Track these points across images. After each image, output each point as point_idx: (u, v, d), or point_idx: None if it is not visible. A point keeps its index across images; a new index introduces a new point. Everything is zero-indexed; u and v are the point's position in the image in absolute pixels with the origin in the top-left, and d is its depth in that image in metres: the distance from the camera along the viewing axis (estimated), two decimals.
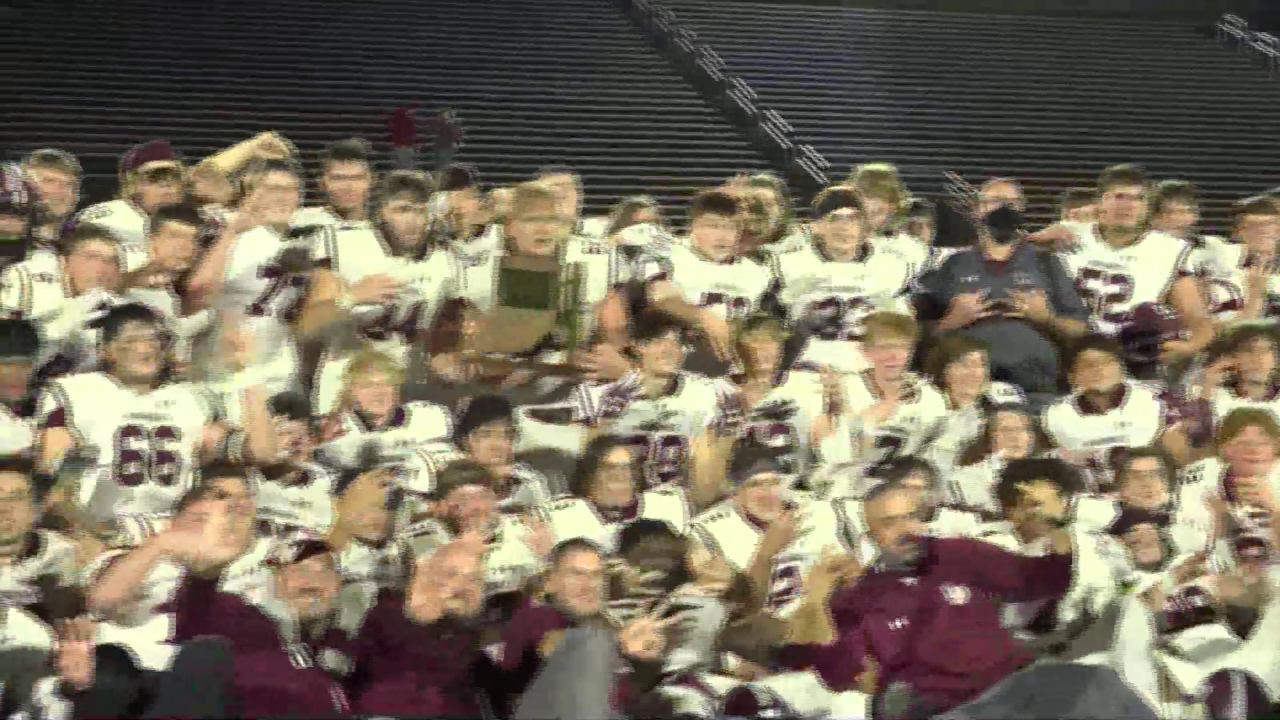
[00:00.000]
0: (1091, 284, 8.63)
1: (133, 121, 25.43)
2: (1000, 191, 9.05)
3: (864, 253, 8.42)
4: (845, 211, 8.38)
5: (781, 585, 6.93)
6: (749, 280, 8.35)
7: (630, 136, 31.68)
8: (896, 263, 8.56)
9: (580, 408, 7.57)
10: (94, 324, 6.97)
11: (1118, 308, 8.62)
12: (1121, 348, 8.29)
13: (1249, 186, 11.37)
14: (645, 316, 7.89)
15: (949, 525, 7.16)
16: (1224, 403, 8.14)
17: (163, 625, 5.74)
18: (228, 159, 8.48)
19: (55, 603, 5.91)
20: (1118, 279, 8.65)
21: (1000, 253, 8.50)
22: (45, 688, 5.27)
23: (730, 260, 8.30)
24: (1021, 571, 6.72)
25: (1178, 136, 34.59)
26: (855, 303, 8.28)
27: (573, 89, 36.80)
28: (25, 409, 6.70)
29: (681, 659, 6.42)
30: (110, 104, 30.01)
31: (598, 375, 7.62)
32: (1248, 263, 9.03)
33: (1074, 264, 8.67)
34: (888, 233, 8.96)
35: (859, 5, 46.70)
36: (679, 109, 37.93)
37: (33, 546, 6.05)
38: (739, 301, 8.21)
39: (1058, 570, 6.65)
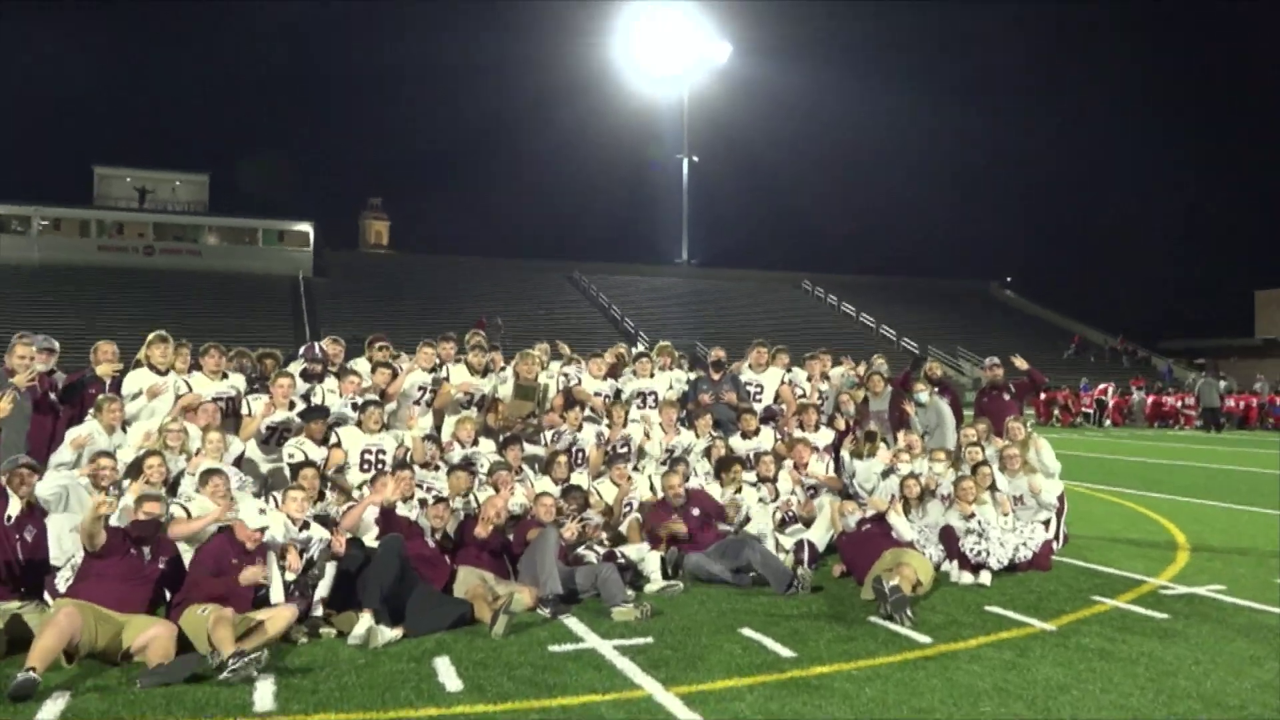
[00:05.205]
0: (748, 388, 8.49)
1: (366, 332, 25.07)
2: (718, 353, 8.77)
3: (652, 375, 8.26)
4: (644, 360, 8.31)
5: (626, 510, 6.82)
6: (613, 386, 8.20)
7: (565, 329, 31.61)
8: (667, 377, 8.39)
9: (544, 438, 7.40)
10: (353, 408, 6.77)
11: (759, 399, 8.43)
12: (758, 415, 8.05)
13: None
14: (569, 400, 7.69)
15: (695, 483, 7.04)
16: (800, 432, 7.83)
17: (374, 530, 5.63)
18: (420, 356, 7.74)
19: (326, 521, 5.67)
20: (758, 386, 8.52)
21: (717, 376, 8.36)
22: (326, 556, 5.15)
23: (605, 378, 8.14)
24: (719, 507, 6.74)
25: (783, 336, 34.93)
26: (650, 394, 8.11)
27: (544, 311, 36.78)
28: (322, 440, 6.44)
29: (584, 539, 6.24)
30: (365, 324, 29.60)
31: (550, 425, 7.45)
32: (809, 379, 8.83)
33: (742, 380, 8.54)
34: (675, 367, 8.76)
35: (665, 276, 47.76)
36: (588, 319, 38.23)
37: (320, 496, 5.86)
38: (608, 395, 8.00)
39: (734, 506, 6.71)
